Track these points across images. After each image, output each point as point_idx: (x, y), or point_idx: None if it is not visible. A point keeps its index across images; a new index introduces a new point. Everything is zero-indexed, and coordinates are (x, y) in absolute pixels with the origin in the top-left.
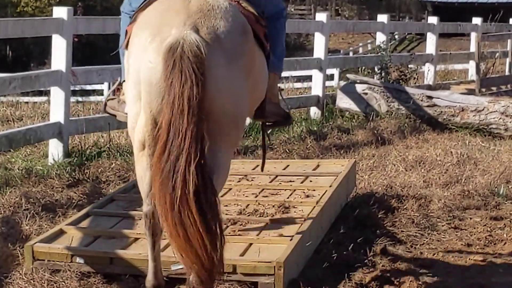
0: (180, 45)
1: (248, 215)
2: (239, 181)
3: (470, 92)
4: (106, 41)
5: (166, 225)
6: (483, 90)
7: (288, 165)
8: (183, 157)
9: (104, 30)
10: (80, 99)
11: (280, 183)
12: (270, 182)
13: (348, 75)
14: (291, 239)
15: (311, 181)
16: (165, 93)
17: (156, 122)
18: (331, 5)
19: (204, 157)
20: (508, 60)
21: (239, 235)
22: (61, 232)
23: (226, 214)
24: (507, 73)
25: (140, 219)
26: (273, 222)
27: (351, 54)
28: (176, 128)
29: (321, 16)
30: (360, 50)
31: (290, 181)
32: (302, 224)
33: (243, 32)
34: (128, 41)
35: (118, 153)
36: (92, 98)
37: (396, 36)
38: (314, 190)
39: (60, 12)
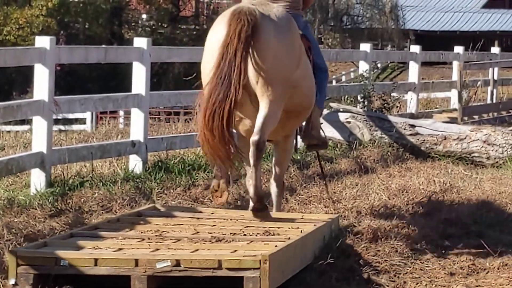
0: (240, 7)
1: (234, 235)
2: (225, 219)
3: (453, 120)
4: (89, 70)
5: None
6: (465, 118)
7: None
8: (234, 70)
9: (86, 59)
10: (62, 127)
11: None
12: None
13: (331, 104)
14: (276, 246)
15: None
16: (225, 33)
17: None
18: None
19: (244, 75)
20: (489, 88)
21: (226, 242)
22: (44, 245)
23: (213, 233)
24: (489, 101)
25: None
26: (259, 240)
27: (334, 82)
28: (229, 49)
29: None
30: (343, 78)
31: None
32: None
33: (290, 22)
34: None
35: (101, 183)
36: (75, 127)
37: (379, 65)
38: (298, 228)
39: (43, 42)
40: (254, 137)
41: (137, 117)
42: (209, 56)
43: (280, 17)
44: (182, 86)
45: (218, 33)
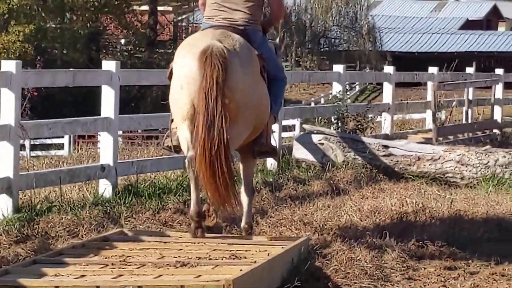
0: (210, 48)
1: (199, 259)
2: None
3: (427, 141)
4: (66, 94)
5: (203, 165)
6: (440, 139)
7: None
8: (217, 117)
9: (54, 83)
10: (40, 153)
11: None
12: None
13: (304, 126)
14: (241, 270)
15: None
16: (200, 80)
17: (193, 103)
18: (291, 56)
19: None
20: (464, 109)
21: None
22: (6, 272)
23: (178, 257)
24: (464, 121)
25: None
26: (225, 264)
27: (312, 104)
28: (210, 98)
29: None
30: (322, 100)
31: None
32: (252, 265)
33: (251, 53)
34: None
35: (69, 208)
36: (53, 152)
37: (357, 86)
38: (265, 251)
39: (9, 66)
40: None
41: (107, 140)
42: (178, 89)
43: (242, 50)
44: (161, 110)
45: (188, 68)
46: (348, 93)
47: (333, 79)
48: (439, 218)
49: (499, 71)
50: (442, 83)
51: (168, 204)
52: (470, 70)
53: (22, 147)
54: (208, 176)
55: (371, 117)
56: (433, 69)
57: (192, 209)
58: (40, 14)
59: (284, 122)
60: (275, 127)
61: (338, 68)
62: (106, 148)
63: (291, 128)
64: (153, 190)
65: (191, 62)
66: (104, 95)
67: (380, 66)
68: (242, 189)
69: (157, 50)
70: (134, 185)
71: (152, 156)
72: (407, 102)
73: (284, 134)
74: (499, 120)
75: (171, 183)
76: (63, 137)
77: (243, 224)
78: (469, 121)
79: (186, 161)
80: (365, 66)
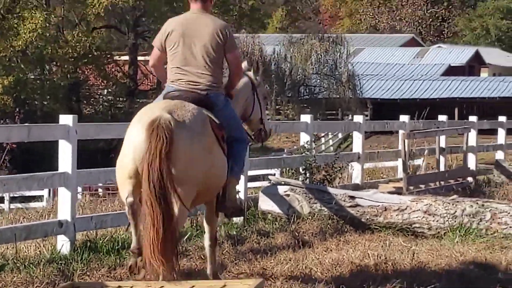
0: (158, 119)
1: None
2: None
3: (398, 190)
4: (43, 148)
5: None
6: (411, 188)
7: (193, 286)
8: (160, 187)
9: (9, 138)
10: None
11: None
12: None
13: (270, 177)
14: None
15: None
16: (146, 149)
17: (137, 168)
18: (271, 104)
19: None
20: (436, 157)
21: None
22: None
23: None
24: (436, 170)
25: None
26: None
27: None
28: (153, 168)
29: None
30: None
31: None
32: None
33: (202, 124)
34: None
35: (23, 266)
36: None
37: (340, 134)
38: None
39: None
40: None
41: (64, 196)
42: (125, 155)
43: (193, 122)
44: None
45: (136, 137)
46: (330, 141)
47: (301, 129)
48: (400, 271)
49: (472, 118)
50: (413, 131)
51: (126, 260)
52: (442, 117)
53: (2, 199)
54: (151, 236)
55: (340, 167)
56: (404, 118)
57: (134, 246)
58: (20, 65)
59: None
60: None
61: (306, 118)
62: (63, 203)
63: (262, 178)
64: (112, 246)
65: (139, 132)
66: (61, 149)
67: (361, 113)
68: (205, 240)
69: (138, 100)
70: (93, 241)
71: (115, 210)
72: (378, 152)
73: (257, 184)
74: (473, 168)
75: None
76: (42, 189)
77: (208, 272)
78: (442, 169)
79: (126, 207)
80: (347, 114)
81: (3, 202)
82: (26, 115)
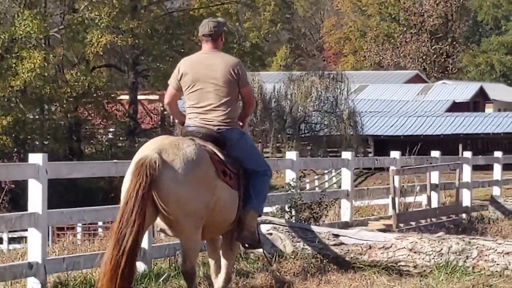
0: (143, 159)
1: None
2: None
3: (388, 227)
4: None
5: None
6: (401, 225)
7: None
8: (129, 227)
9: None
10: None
11: None
12: None
13: None
14: None
15: None
16: (129, 184)
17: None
18: (271, 142)
19: (142, 230)
20: (427, 193)
21: None
22: None
23: None
24: (427, 207)
25: None
26: None
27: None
28: (129, 205)
29: None
30: (307, 186)
31: None
32: None
33: (195, 164)
34: None
35: None
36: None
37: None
38: None
39: None
40: (182, 268)
41: (34, 237)
42: (123, 190)
43: (184, 162)
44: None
45: (127, 173)
46: (334, 178)
47: (286, 166)
48: None
49: (467, 153)
50: (403, 167)
51: None
52: (435, 153)
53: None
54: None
55: (327, 204)
56: (395, 154)
57: None
58: (19, 105)
59: None
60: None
61: (291, 155)
62: (34, 244)
63: None
64: (84, 287)
65: (130, 169)
66: (31, 189)
67: (362, 150)
68: (220, 276)
69: (138, 139)
70: (64, 283)
71: (86, 251)
72: (367, 188)
73: None
74: (468, 204)
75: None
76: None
77: None
78: (436, 205)
79: None
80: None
81: (1, 243)
82: (26, 155)
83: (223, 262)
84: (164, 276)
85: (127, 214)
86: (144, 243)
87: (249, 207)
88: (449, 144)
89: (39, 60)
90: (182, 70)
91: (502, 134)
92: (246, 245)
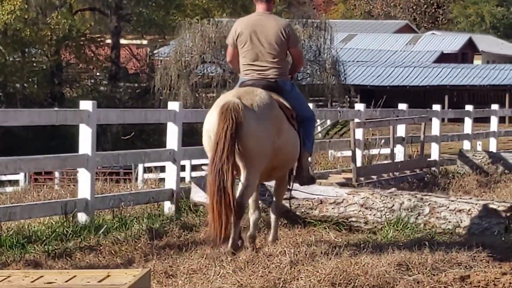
0: (227, 104)
1: None
2: None
3: (348, 181)
4: (27, 131)
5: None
6: (361, 179)
7: (75, 276)
8: (224, 164)
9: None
10: None
11: None
12: None
13: (203, 167)
14: None
15: None
16: (217, 129)
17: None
18: None
19: (233, 166)
20: (390, 147)
21: None
22: None
23: None
24: (389, 160)
25: None
26: None
27: None
28: (220, 145)
29: (174, 105)
30: None
31: None
32: None
33: (269, 106)
34: None
35: None
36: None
37: (328, 121)
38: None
39: None
40: (236, 199)
41: None
42: (206, 138)
43: (260, 104)
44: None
45: (210, 121)
46: (318, 127)
47: None
48: (311, 271)
49: (436, 107)
50: (366, 120)
51: (31, 255)
52: (402, 106)
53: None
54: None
55: None
56: (360, 106)
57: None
58: None
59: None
60: (172, 168)
61: None
62: None
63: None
64: (17, 240)
65: (213, 116)
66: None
67: (344, 100)
68: (271, 208)
69: (120, 84)
70: None
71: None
72: (330, 141)
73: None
74: (437, 158)
75: (47, 231)
76: (18, 173)
77: (269, 239)
78: (402, 159)
79: None
80: (337, 101)
81: None
82: (7, 97)
83: (275, 197)
84: (103, 228)
85: (219, 153)
86: (87, 194)
87: (304, 149)
88: (435, 95)
89: (19, 1)
90: (239, 30)
91: (488, 86)
92: (304, 183)
